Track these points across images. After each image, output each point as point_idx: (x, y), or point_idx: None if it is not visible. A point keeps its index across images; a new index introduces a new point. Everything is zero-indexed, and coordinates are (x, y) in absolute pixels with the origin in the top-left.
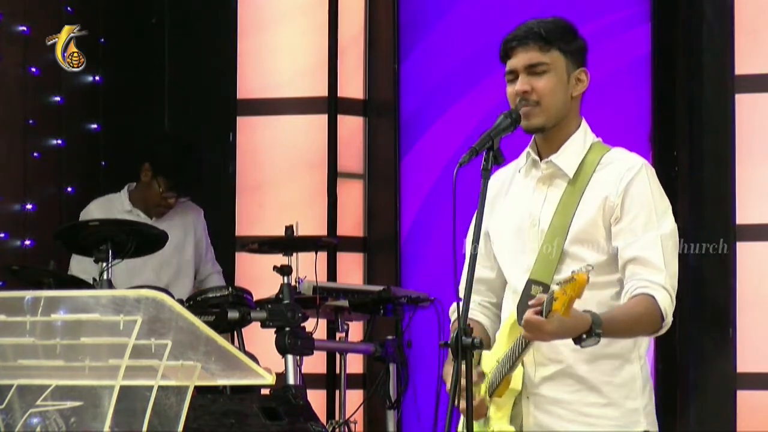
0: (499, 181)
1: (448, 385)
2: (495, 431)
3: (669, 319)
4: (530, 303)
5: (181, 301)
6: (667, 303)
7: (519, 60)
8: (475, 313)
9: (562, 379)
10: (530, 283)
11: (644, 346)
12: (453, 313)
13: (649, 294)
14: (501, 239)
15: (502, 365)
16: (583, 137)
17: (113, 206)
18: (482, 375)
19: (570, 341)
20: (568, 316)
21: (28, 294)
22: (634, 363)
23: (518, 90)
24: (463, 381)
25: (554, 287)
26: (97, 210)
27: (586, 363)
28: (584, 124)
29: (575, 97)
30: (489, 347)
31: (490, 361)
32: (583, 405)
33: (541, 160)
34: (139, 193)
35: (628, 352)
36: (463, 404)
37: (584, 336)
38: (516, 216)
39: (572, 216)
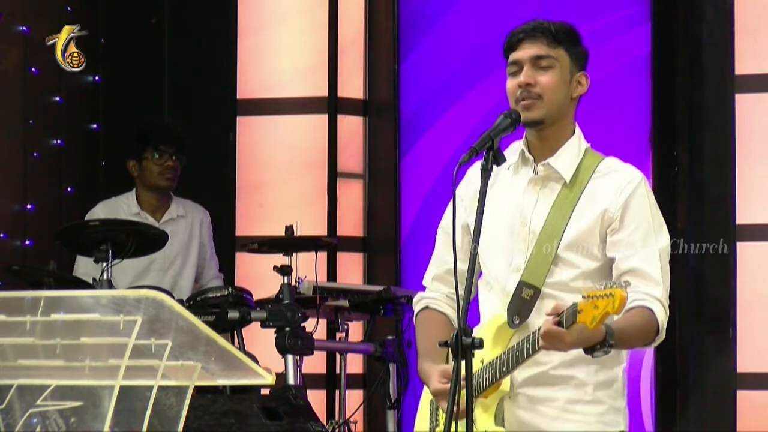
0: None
1: (432, 384)
2: None
3: (662, 335)
4: (547, 313)
5: (181, 301)
6: (662, 317)
7: (525, 52)
8: (441, 305)
9: (544, 379)
10: (521, 285)
11: (625, 351)
12: (416, 304)
13: (648, 307)
14: (486, 235)
15: (496, 369)
16: (578, 143)
17: (120, 208)
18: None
19: None
20: (597, 329)
21: (28, 294)
22: (616, 367)
23: (522, 81)
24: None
25: (578, 299)
26: (102, 211)
27: (571, 365)
28: (578, 129)
29: (574, 98)
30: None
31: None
32: (567, 402)
33: (535, 161)
34: (141, 190)
35: (611, 357)
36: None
37: (598, 346)
38: (505, 214)
39: (567, 221)
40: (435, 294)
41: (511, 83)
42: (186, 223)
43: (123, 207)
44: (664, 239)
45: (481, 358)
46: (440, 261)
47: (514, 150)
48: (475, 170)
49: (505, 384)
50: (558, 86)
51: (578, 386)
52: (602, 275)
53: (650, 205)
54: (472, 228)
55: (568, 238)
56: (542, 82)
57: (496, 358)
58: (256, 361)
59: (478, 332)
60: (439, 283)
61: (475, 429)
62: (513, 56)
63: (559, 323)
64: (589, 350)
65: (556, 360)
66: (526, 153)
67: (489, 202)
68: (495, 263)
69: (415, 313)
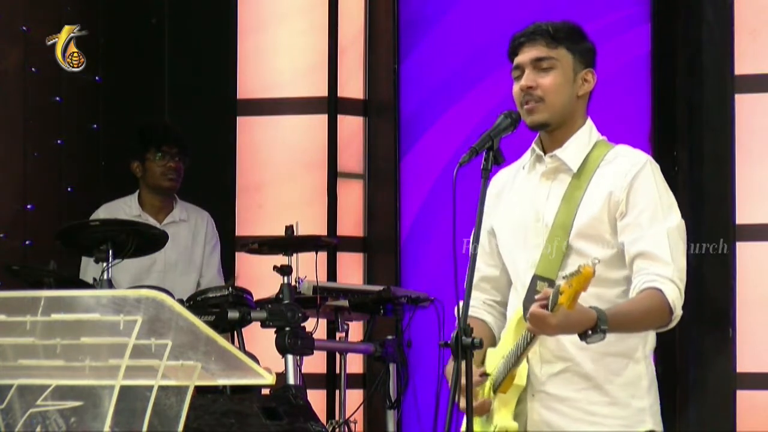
0: (502, 178)
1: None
2: (498, 427)
3: (678, 312)
4: (536, 297)
5: (181, 301)
6: (675, 296)
7: (526, 55)
8: (480, 312)
9: (568, 377)
10: (536, 278)
11: (650, 345)
12: (457, 314)
13: (657, 287)
14: (504, 235)
15: (507, 360)
16: (588, 133)
17: (121, 210)
18: (484, 375)
19: (576, 338)
20: (573, 309)
21: (28, 294)
22: (640, 362)
23: (523, 85)
24: (463, 380)
25: (560, 281)
26: (104, 214)
27: (593, 361)
28: (590, 122)
29: (581, 96)
30: (494, 345)
31: (495, 358)
32: (589, 404)
33: (545, 155)
34: (144, 191)
35: (633, 351)
36: (463, 403)
37: (589, 332)
38: (519, 211)
39: (576, 211)
40: (473, 302)
41: (515, 88)
42: (188, 227)
43: (124, 209)
44: (674, 218)
45: (502, 354)
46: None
47: (529, 150)
48: (497, 175)
49: (520, 377)
50: (560, 87)
51: (599, 387)
52: (617, 262)
53: (657, 186)
54: (496, 231)
55: (578, 227)
56: (543, 84)
57: (509, 350)
58: (256, 361)
59: (504, 331)
60: (476, 290)
61: (491, 424)
62: (515, 60)
63: (546, 307)
64: (582, 336)
65: (576, 356)
66: (537, 150)
67: (507, 204)
68: (516, 262)
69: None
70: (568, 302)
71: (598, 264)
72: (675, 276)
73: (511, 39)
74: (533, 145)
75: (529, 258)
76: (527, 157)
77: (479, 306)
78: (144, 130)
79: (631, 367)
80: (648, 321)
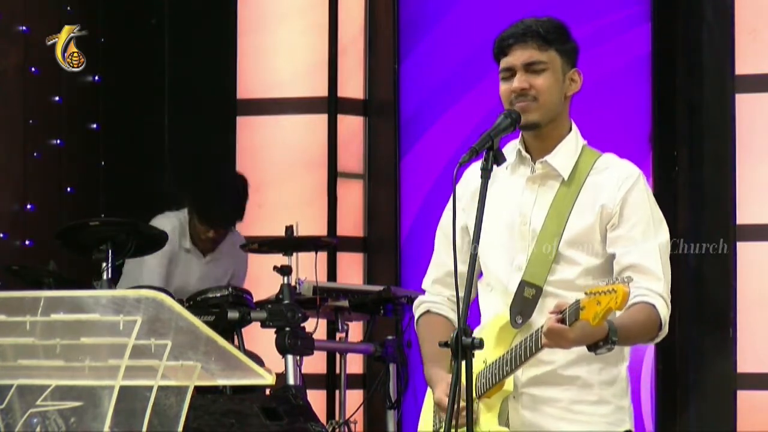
0: (479, 175)
1: (436, 393)
2: None
3: (665, 329)
4: (550, 312)
5: (181, 301)
6: (665, 312)
7: (517, 57)
8: (444, 309)
9: (551, 378)
10: (523, 284)
11: (628, 348)
12: (417, 308)
13: (650, 303)
14: (486, 235)
15: (499, 368)
16: (575, 139)
17: (171, 226)
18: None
19: None
20: (601, 326)
21: (28, 294)
22: (619, 364)
23: (516, 87)
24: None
25: (581, 295)
26: (167, 227)
27: (575, 364)
28: (574, 126)
29: (568, 97)
30: None
31: (475, 362)
32: (572, 403)
33: (532, 159)
34: (191, 229)
35: (614, 354)
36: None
37: (600, 343)
38: (504, 213)
39: (567, 218)
40: (436, 297)
41: (504, 88)
42: (224, 264)
43: (182, 241)
44: (663, 234)
45: (483, 359)
46: (440, 264)
47: (510, 149)
48: (471, 171)
49: (509, 384)
50: (552, 88)
51: (583, 386)
52: (604, 272)
53: (649, 201)
54: (470, 229)
55: (568, 235)
56: (537, 85)
57: (499, 357)
58: (260, 360)
59: (479, 333)
60: (440, 286)
61: (478, 429)
62: (505, 62)
63: (561, 320)
64: (592, 347)
65: (561, 359)
66: (523, 152)
67: (487, 202)
68: (496, 263)
69: (416, 318)
70: (596, 319)
71: (585, 273)
72: (664, 292)
73: (499, 39)
74: (518, 146)
75: (514, 261)
76: (510, 156)
77: (443, 302)
78: (204, 194)
79: (612, 368)
80: (642, 335)
